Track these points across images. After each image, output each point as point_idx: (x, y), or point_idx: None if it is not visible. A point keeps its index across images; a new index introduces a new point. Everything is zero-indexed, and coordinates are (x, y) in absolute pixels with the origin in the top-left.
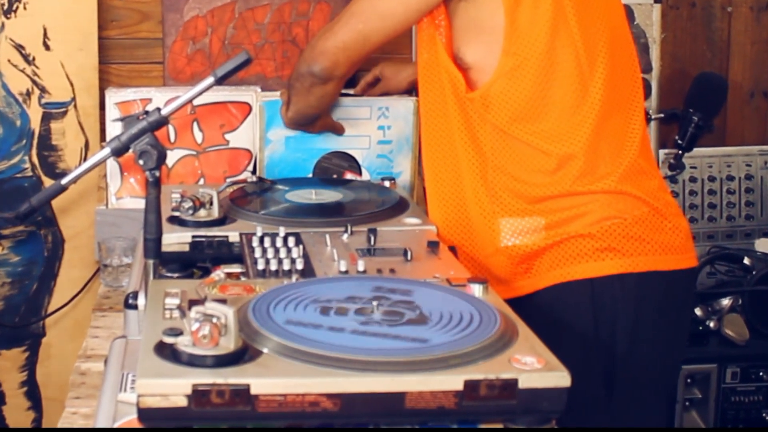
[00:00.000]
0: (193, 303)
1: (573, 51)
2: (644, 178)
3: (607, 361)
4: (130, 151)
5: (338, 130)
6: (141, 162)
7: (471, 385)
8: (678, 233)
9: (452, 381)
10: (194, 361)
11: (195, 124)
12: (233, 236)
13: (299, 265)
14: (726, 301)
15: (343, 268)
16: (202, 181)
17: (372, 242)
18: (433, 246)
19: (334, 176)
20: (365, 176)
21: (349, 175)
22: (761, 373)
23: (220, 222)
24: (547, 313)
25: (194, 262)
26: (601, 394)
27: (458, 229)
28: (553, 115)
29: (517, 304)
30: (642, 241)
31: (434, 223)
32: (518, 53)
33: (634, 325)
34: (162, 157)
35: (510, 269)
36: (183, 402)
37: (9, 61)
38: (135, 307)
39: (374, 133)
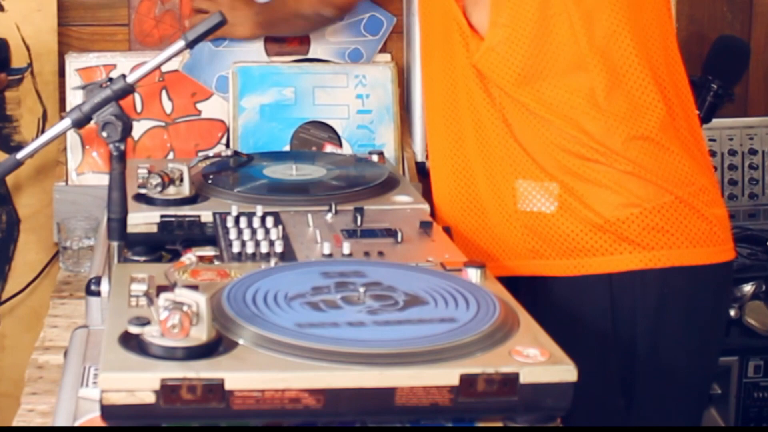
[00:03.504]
0: (161, 289)
1: (567, 18)
2: (669, 159)
3: (625, 367)
4: (93, 122)
5: None
6: (104, 134)
7: (467, 380)
8: (709, 223)
9: (447, 375)
10: (163, 354)
11: (164, 93)
12: (206, 216)
13: (278, 248)
14: (748, 288)
15: (326, 251)
16: (171, 155)
17: (359, 222)
18: (425, 227)
19: (313, 148)
20: (346, 148)
21: (329, 147)
22: None
23: (191, 200)
24: (561, 307)
25: (163, 245)
26: (618, 402)
27: (466, 193)
28: (551, 85)
29: (528, 293)
30: (664, 232)
31: (436, 186)
32: (507, 25)
33: (656, 327)
34: (127, 129)
35: (522, 239)
36: (150, 398)
37: None
38: (98, 293)
39: (353, 102)
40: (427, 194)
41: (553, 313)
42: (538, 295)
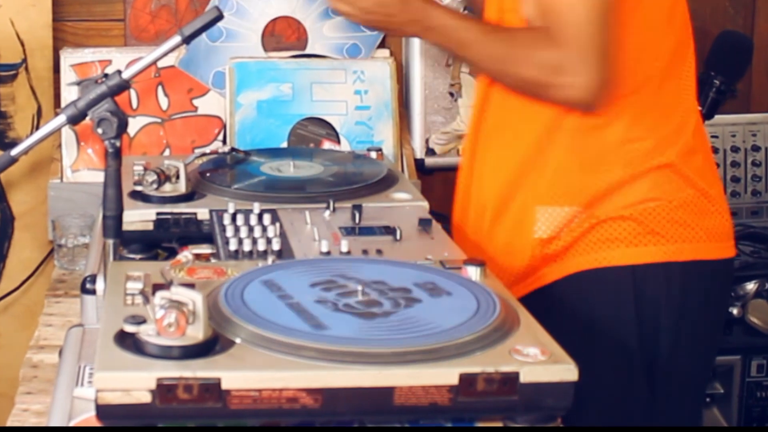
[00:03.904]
0: (157, 287)
1: (667, 11)
2: (695, 155)
3: (648, 360)
4: (88, 118)
5: None
6: (100, 131)
7: (467, 379)
8: (721, 218)
9: (446, 374)
10: (159, 353)
11: (160, 89)
12: (202, 213)
13: (276, 246)
14: (751, 286)
15: (324, 249)
16: (167, 152)
17: (357, 220)
18: (425, 224)
19: (311, 145)
20: (344, 144)
21: (326, 144)
22: None
23: (187, 197)
24: (578, 302)
25: (159, 242)
26: (643, 394)
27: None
28: (653, 90)
29: (542, 291)
30: (687, 226)
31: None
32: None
33: (678, 320)
34: (123, 125)
35: (539, 261)
36: (146, 398)
37: None
38: (93, 292)
39: (351, 98)
40: (426, 191)
41: (565, 304)
42: (554, 293)
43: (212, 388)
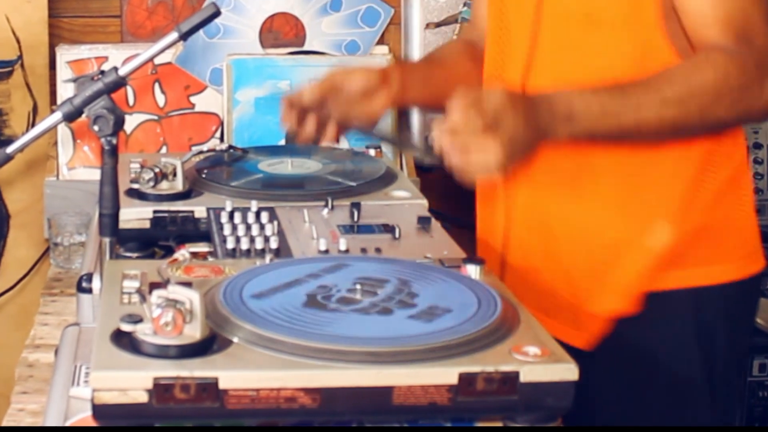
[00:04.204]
0: (154, 286)
1: None
2: (744, 161)
3: (708, 377)
4: (84, 115)
5: None
6: (96, 128)
7: (467, 379)
8: (757, 225)
9: (446, 374)
10: (156, 352)
11: (156, 86)
12: (199, 211)
13: (273, 244)
14: None
15: (322, 247)
16: (164, 150)
17: (355, 218)
18: (424, 222)
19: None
20: (342, 142)
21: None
22: None
23: (184, 195)
24: (635, 324)
25: (156, 241)
26: (707, 411)
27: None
28: None
29: None
30: (746, 244)
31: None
32: None
33: (732, 334)
34: (119, 123)
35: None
36: (143, 397)
37: None
38: (89, 290)
39: None
40: (425, 189)
41: (629, 332)
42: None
43: (209, 387)
